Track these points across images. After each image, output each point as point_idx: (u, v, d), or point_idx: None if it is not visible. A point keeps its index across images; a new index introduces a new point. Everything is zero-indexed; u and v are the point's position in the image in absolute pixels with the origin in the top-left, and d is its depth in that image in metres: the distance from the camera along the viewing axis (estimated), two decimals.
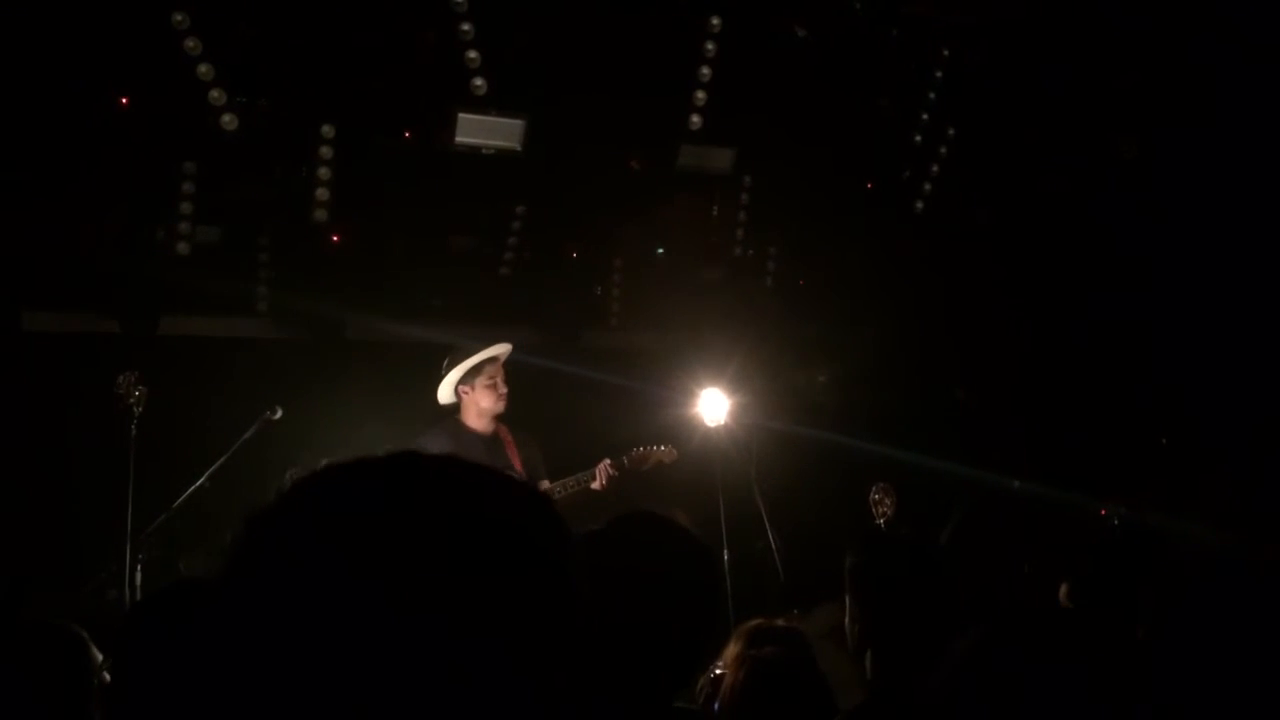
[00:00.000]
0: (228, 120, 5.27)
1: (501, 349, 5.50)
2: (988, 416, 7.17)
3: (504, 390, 5.44)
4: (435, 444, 5.20)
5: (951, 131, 6.78)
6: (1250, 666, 2.03)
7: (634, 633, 1.64)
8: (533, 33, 5.70)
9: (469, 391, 5.40)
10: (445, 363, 5.45)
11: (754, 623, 3.05)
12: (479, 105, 5.57)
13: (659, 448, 5.57)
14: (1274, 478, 5.81)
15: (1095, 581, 3.68)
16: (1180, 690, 1.95)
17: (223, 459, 4.99)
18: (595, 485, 5.42)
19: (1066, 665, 1.35)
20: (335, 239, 6.09)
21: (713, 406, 5.91)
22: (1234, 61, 6.28)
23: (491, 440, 5.49)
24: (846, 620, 2.27)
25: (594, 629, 1.67)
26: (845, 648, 2.36)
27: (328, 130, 5.58)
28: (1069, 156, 7.05)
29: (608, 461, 5.45)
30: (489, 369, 5.41)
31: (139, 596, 4.67)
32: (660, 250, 7.07)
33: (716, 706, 2.59)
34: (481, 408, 5.40)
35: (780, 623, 3.35)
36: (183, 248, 5.69)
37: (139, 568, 4.82)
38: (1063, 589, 3.97)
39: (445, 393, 5.44)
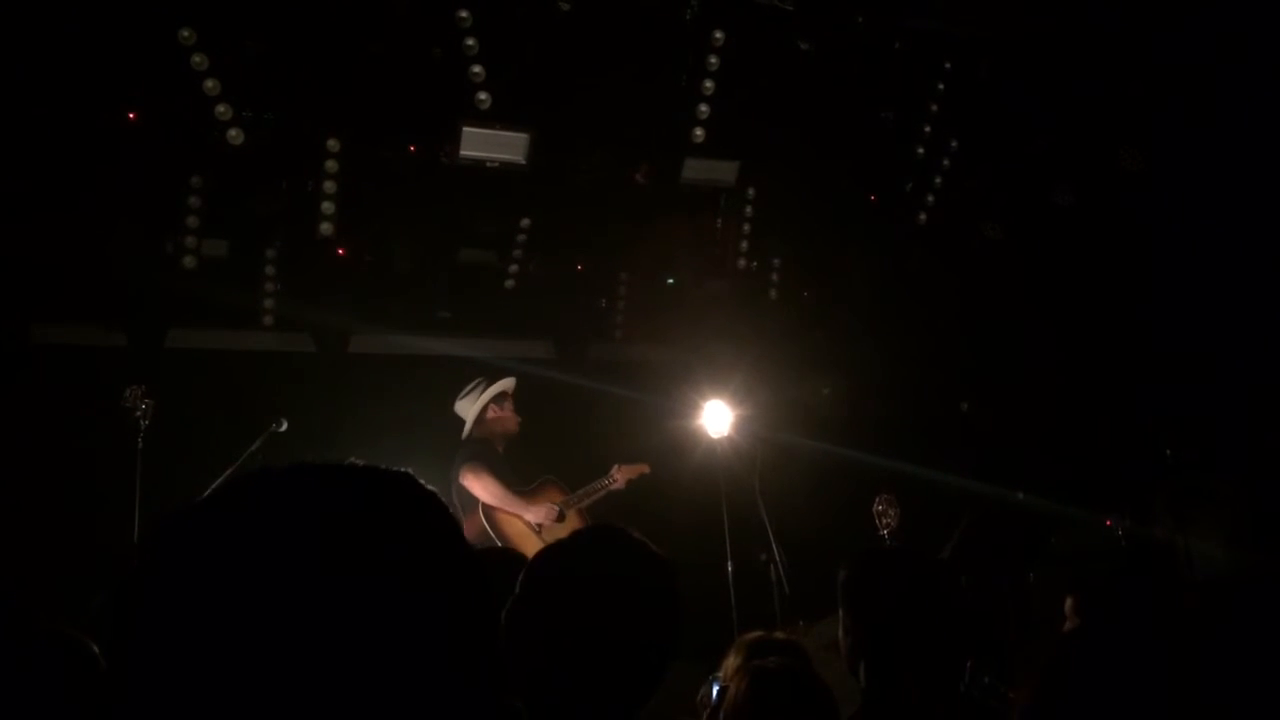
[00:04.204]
0: (234, 134, 5.30)
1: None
2: (992, 428, 7.17)
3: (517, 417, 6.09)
4: (484, 463, 5.75)
5: (954, 144, 6.79)
6: (1255, 675, 2.03)
7: (597, 639, 1.68)
8: (537, 47, 5.73)
9: (498, 412, 6.00)
10: (477, 382, 6.03)
11: (753, 635, 3.06)
12: (484, 119, 5.60)
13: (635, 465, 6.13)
14: (1278, 489, 5.79)
15: (1101, 593, 3.68)
16: (1186, 698, 1.96)
17: (229, 471, 4.99)
18: (616, 485, 6.06)
19: None
20: (341, 252, 6.12)
21: (717, 418, 5.92)
22: (1237, 71, 6.30)
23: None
24: (840, 632, 2.28)
25: (558, 637, 1.69)
26: None
27: (333, 144, 5.62)
28: (1072, 169, 7.06)
29: (616, 465, 6.09)
30: (510, 396, 6.07)
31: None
32: (671, 281, 7.15)
33: (722, 717, 2.59)
34: (507, 428, 6.00)
35: (779, 635, 3.36)
36: (190, 261, 5.72)
37: None
38: (1068, 601, 3.97)
39: (475, 408, 5.99)
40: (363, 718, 0.73)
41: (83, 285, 5.78)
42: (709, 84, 5.95)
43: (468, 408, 6.03)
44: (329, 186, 5.67)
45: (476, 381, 6.07)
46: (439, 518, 0.83)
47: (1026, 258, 7.32)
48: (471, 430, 6.00)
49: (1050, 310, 7.36)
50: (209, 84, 5.18)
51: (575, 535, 1.89)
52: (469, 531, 5.58)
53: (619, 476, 6.04)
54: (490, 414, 6.00)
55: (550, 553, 1.86)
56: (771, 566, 5.66)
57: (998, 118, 6.78)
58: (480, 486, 5.68)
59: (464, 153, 5.63)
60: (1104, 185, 7.04)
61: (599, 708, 1.68)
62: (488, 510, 5.67)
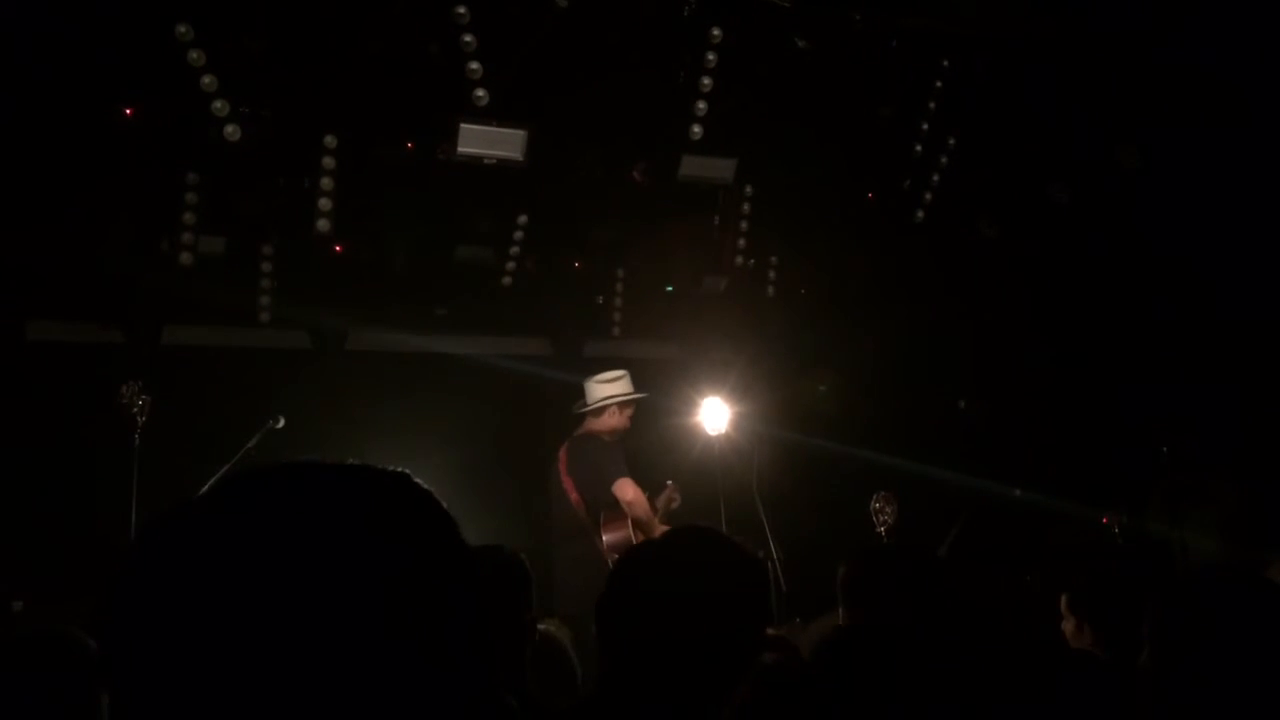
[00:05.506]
0: (231, 131, 5.29)
1: None
2: (989, 425, 7.18)
3: None
4: (615, 452, 5.78)
5: (951, 142, 6.80)
6: (1251, 676, 2.03)
7: (687, 638, 1.69)
8: (534, 44, 5.72)
9: (621, 415, 5.94)
10: (623, 374, 5.96)
11: None
12: (481, 116, 5.59)
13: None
14: (1276, 487, 5.80)
15: (1097, 591, 3.68)
16: (1183, 698, 1.96)
17: (225, 468, 4.99)
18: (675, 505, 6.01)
19: None
20: (338, 249, 6.11)
21: (714, 416, 5.93)
22: (1234, 69, 6.30)
23: None
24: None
25: (648, 634, 1.68)
26: None
27: (330, 141, 5.60)
28: (1070, 166, 7.06)
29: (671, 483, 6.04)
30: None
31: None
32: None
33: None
34: (617, 432, 5.92)
35: (770, 632, 3.35)
36: (186, 258, 5.71)
37: None
38: (1064, 598, 3.97)
39: (609, 400, 5.92)
40: (357, 717, 0.73)
41: (79, 282, 5.77)
42: (707, 81, 5.94)
43: (601, 390, 5.94)
44: (326, 183, 5.65)
45: (624, 373, 6.01)
46: (436, 517, 0.83)
47: (1023, 255, 7.32)
48: (589, 413, 5.94)
49: (1047, 308, 7.37)
50: (206, 80, 5.17)
51: (672, 534, 1.88)
52: (614, 534, 5.63)
53: (677, 496, 6.00)
54: (616, 412, 5.93)
55: (647, 550, 1.84)
56: (769, 564, 5.67)
57: (995, 115, 6.78)
58: (631, 502, 5.63)
59: (461, 150, 5.62)
60: (1101, 183, 7.04)
61: (683, 704, 1.69)
62: (633, 524, 5.65)
